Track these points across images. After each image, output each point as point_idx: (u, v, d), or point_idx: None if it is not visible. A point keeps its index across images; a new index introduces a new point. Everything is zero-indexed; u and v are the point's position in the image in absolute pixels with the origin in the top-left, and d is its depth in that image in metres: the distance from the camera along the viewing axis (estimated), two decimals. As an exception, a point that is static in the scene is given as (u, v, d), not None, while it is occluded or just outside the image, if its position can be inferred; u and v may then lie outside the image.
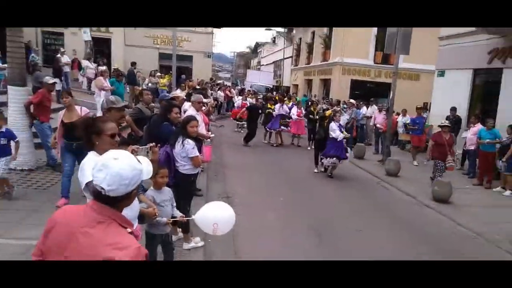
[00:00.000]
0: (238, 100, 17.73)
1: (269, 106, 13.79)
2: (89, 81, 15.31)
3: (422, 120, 11.88)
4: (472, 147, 9.66)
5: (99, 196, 1.50)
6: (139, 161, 1.61)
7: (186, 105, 7.38)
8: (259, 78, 32.90)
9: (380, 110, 13.29)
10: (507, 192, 8.45)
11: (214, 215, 3.11)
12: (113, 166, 1.47)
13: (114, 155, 1.52)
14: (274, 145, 13.04)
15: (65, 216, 1.55)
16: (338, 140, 8.77)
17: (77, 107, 5.51)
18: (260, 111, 14.04)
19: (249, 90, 21.49)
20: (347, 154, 9.28)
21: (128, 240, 1.49)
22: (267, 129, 13.35)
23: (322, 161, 9.24)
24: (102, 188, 1.46)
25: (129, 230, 1.57)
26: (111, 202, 1.51)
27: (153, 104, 6.94)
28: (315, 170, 9.44)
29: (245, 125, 14.85)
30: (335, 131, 8.79)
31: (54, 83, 6.94)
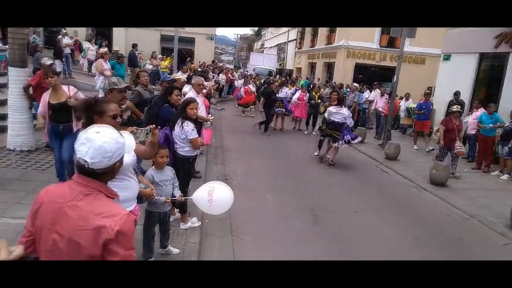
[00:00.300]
0: (239, 84, 17.33)
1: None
2: (90, 63, 15.26)
3: (429, 105, 11.51)
4: (473, 131, 9.62)
5: (83, 169, 1.51)
6: (121, 135, 1.64)
7: (187, 87, 7.36)
8: (263, 61, 31.92)
9: (382, 94, 13.18)
10: (504, 176, 8.46)
11: (210, 192, 3.19)
12: (96, 139, 1.49)
13: (96, 129, 1.54)
14: (274, 128, 12.84)
15: (50, 195, 1.57)
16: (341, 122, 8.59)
17: (64, 87, 5.25)
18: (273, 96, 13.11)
19: (251, 75, 20.93)
20: (356, 140, 8.90)
21: (117, 209, 1.53)
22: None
23: (332, 143, 8.73)
24: (86, 161, 1.48)
25: (116, 200, 1.61)
26: (95, 175, 1.53)
27: (152, 87, 6.91)
28: (315, 153, 9.44)
29: (250, 108, 15.25)
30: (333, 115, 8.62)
31: (52, 64, 6.91)
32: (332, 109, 8.58)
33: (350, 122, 8.92)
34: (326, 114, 8.80)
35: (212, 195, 3.19)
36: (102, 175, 1.56)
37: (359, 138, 9.17)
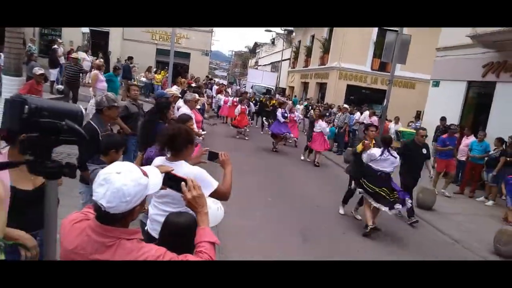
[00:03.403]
0: (229, 101, 16.35)
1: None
2: (85, 73, 15.26)
3: (454, 140, 9.53)
4: (463, 158, 9.78)
5: (101, 213, 1.40)
6: (145, 173, 1.48)
7: (180, 102, 7.41)
8: (261, 78, 29.75)
9: (371, 116, 13.37)
10: (490, 202, 8.64)
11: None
12: (114, 181, 1.35)
13: (117, 168, 1.40)
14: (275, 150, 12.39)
15: (68, 240, 1.46)
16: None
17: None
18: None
19: (246, 93, 18.87)
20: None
21: (143, 252, 1.42)
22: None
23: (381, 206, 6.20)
24: (102, 205, 1.36)
25: (138, 237, 1.49)
26: (112, 219, 1.41)
27: (146, 99, 6.92)
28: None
29: (245, 130, 14.25)
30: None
31: (42, 74, 6.95)
32: (376, 152, 6.05)
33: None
34: (365, 158, 6.15)
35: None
36: (120, 219, 1.43)
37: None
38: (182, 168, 2.56)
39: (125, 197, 1.35)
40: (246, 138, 14.10)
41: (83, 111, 0.93)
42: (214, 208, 2.90)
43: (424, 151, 6.92)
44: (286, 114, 12.32)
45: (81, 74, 11.33)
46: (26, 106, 0.84)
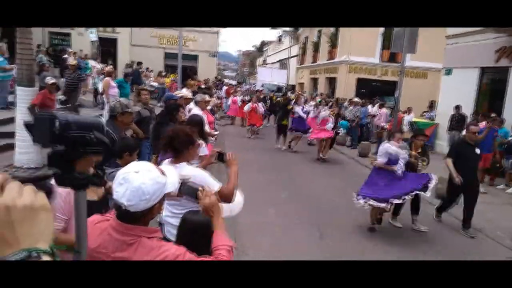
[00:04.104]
0: (239, 100, 16.35)
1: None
2: (83, 80, 15.45)
3: (493, 132, 8.47)
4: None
5: (121, 212, 1.43)
6: (163, 172, 1.52)
7: (191, 104, 7.44)
8: (271, 76, 29.33)
9: (380, 107, 13.20)
10: (510, 190, 8.42)
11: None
12: (133, 180, 1.39)
13: (135, 168, 1.44)
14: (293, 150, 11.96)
15: (91, 241, 1.44)
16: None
17: None
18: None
19: (258, 91, 19.44)
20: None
21: (163, 251, 1.44)
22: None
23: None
24: (122, 203, 1.39)
25: (158, 236, 1.51)
26: (132, 218, 1.44)
27: (159, 104, 6.97)
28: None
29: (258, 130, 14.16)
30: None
31: (54, 83, 7.05)
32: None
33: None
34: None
35: (232, 210, 3.11)
36: (141, 218, 1.46)
37: None
38: (184, 171, 2.54)
39: (144, 195, 1.38)
40: (258, 137, 14.07)
41: (104, 123, 0.97)
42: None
43: (478, 150, 5.88)
44: (305, 109, 11.73)
45: (80, 82, 11.46)
46: (57, 122, 0.88)
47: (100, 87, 12.24)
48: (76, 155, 0.96)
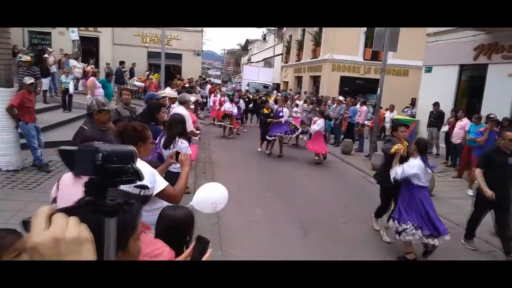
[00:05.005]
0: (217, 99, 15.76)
1: (265, 110, 11.32)
2: (77, 80, 15.20)
3: (494, 134, 7.97)
4: (458, 141, 9.81)
5: None
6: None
7: (176, 103, 7.40)
8: (257, 74, 28.45)
9: (361, 105, 13.34)
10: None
11: (210, 196, 3.18)
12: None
13: None
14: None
15: None
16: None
17: None
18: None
19: (240, 91, 18.55)
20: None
21: (158, 247, 1.52)
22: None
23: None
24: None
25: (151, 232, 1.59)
26: None
27: (133, 105, 6.88)
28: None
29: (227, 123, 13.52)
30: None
31: (32, 83, 6.94)
32: (415, 166, 4.74)
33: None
34: (398, 174, 4.84)
35: (216, 206, 3.11)
36: None
37: None
38: None
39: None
40: (230, 137, 13.71)
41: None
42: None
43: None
44: (281, 113, 10.71)
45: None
46: (100, 154, 0.91)
47: (71, 88, 12.01)
48: (112, 184, 0.98)
